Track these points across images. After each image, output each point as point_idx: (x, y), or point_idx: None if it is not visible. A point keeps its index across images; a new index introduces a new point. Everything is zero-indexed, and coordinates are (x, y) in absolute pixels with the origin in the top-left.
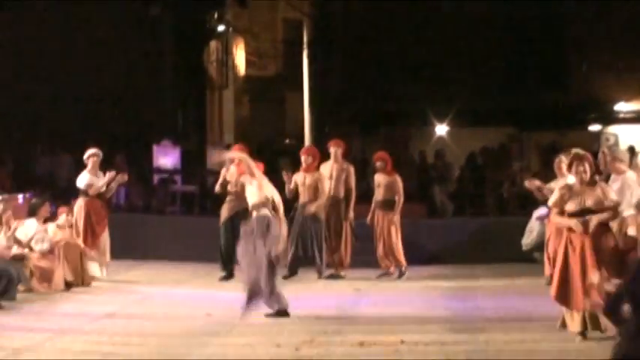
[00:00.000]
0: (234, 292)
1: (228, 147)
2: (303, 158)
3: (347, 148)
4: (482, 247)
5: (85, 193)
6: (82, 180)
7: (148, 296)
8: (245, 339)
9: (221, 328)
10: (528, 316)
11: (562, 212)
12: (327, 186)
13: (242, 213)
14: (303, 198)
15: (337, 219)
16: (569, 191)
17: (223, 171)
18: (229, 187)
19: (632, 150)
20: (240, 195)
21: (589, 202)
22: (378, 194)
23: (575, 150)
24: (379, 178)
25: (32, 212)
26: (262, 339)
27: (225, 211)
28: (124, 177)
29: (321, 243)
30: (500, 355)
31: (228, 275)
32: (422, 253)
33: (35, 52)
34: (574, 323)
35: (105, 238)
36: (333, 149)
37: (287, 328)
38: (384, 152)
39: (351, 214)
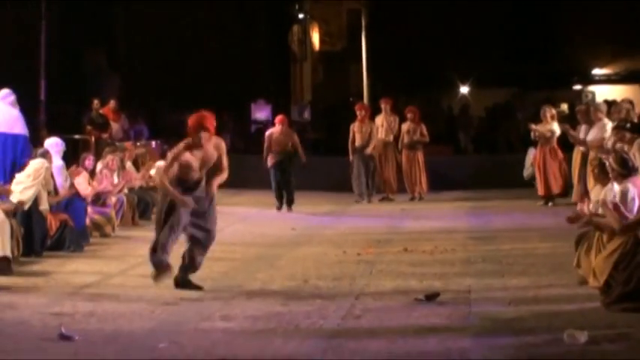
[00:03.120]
0: (312, 213)
1: (308, 103)
2: (358, 112)
3: (393, 104)
4: (494, 176)
5: None
6: None
7: (247, 216)
8: (320, 247)
9: (303, 239)
10: (528, 227)
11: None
12: (380, 133)
13: (283, 159)
14: (358, 142)
15: (386, 157)
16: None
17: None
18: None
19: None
20: (283, 146)
21: None
22: (406, 138)
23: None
24: (407, 126)
25: (164, 155)
26: (332, 247)
27: (271, 159)
28: None
29: (374, 175)
30: (508, 255)
31: (280, 205)
32: (449, 182)
33: (163, 31)
34: None
35: None
36: (383, 105)
37: (350, 239)
38: (413, 106)
39: (397, 153)
